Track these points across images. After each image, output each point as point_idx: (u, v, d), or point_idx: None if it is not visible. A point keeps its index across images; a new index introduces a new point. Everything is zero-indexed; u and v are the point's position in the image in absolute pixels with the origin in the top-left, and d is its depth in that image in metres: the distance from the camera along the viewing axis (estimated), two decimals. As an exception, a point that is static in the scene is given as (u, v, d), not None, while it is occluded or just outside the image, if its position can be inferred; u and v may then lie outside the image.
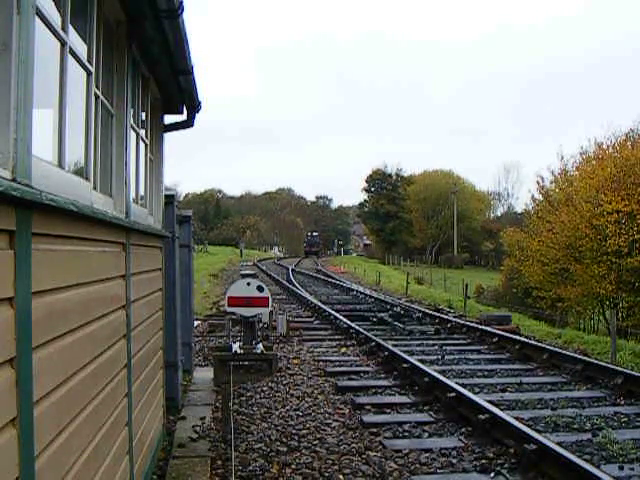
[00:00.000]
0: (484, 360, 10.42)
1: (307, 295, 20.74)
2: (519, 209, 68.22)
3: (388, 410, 7.26)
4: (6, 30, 1.92)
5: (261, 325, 12.12)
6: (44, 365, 2.17)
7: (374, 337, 11.50)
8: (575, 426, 6.52)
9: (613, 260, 22.26)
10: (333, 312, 15.45)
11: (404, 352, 9.90)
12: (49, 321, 2.27)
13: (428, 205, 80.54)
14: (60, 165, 2.76)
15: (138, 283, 4.44)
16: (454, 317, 15.75)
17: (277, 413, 7.12)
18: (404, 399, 7.75)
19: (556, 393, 8.04)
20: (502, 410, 6.49)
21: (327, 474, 5.29)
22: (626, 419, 6.80)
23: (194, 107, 6.31)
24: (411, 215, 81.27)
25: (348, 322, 13.60)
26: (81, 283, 2.74)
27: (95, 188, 3.45)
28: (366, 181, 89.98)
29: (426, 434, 6.40)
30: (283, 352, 10.88)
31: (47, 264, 2.27)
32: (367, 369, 9.56)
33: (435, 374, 7.97)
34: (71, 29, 2.87)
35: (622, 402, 7.59)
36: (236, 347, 9.20)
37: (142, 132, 5.28)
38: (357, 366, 9.79)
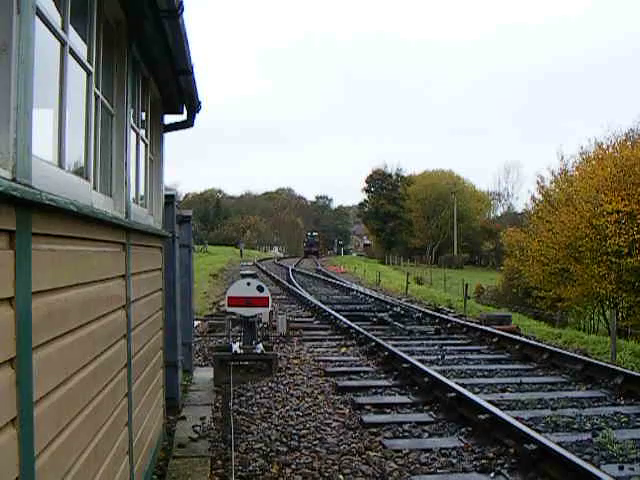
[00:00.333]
0: (484, 360, 10.41)
1: (307, 295, 20.74)
2: (519, 209, 68.30)
3: (388, 410, 7.26)
4: (6, 30, 1.91)
5: (261, 325, 12.13)
6: (44, 365, 2.17)
7: (374, 337, 11.49)
8: (575, 426, 6.52)
9: (613, 260, 22.28)
10: (333, 312, 15.44)
11: (404, 352, 9.90)
12: (49, 321, 2.26)
13: (428, 205, 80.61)
14: (60, 165, 2.76)
15: (138, 283, 4.44)
16: (454, 317, 15.74)
17: (277, 413, 7.12)
18: (404, 399, 7.75)
19: (556, 393, 8.04)
20: (502, 410, 6.49)
21: (327, 474, 5.29)
22: (626, 419, 6.80)
23: (194, 107, 6.31)
24: (411, 215, 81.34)
25: (348, 322, 13.60)
26: (81, 283, 2.74)
27: (95, 188, 3.45)
28: (366, 181, 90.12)
29: (426, 434, 6.39)
30: (283, 352, 10.88)
31: (47, 264, 2.27)
32: (367, 369, 9.56)
33: (435, 374, 7.97)
34: (71, 29, 2.87)
35: (622, 402, 7.59)
36: (236, 347, 9.20)
37: (142, 132, 5.28)
38: (357, 366, 9.79)
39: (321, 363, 9.97)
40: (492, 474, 5.29)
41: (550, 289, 25.16)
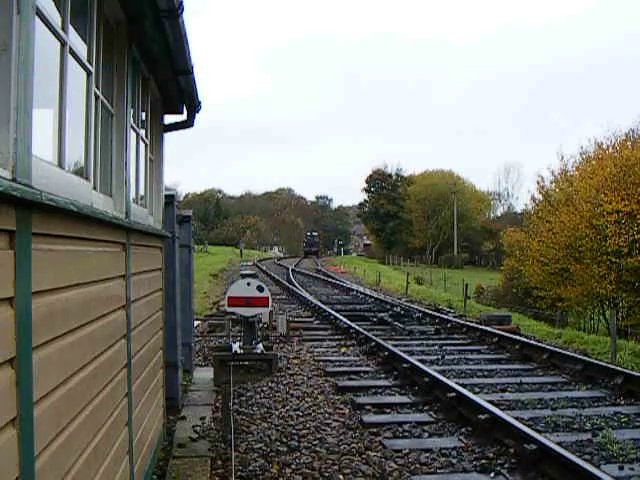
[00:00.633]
0: (484, 360, 10.42)
1: (307, 295, 20.74)
2: (519, 209, 68.30)
3: (388, 410, 7.26)
4: (6, 30, 1.92)
5: (261, 325, 12.14)
6: (44, 365, 2.17)
7: (374, 337, 11.49)
8: (575, 426, 6.52)
9: (613, 260, 22.27)
10: (333, 312, 15.45)
11: (404, 352, 9.90)
12: (49, 321, 2.26)
13: (428, 205, 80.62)
14: (60, 165, 2.76)
15: (138, 283, 4.44)
16: (454, 317, 15.74)
17: (277, 413, 7.12)
18: (404, 399, 7.75)
19: (556, 393, 8.04)
20: (502, 410, 6.49)
21: (327, 474, 5.29)
22: (626, 419, 6.80)
23: (194, 107, 6.31)
24: (411, 215, 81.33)
25: (348, 322, 13.60)
26: (81, 283, 2.74)
27: (95, 188, 3.45)
28: (366, 181, 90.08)
29: (426, 434, 6.39)
30: (283, 352, 10.88)
31: (47, 264, 2.27)
32: (367, 369, 9.56)
33: (435, 374, 7.97)
34: (71, 29, 2.87)
35: (622, 402, 7.59)
36: (236, 347, 9.20)
37: (142, 132, 5.28)
38: (357, 366, 9.79)
39: (321, 363, 9.97)
40: (492, 474, 5.29)
41: (550, 289, 25.16)
